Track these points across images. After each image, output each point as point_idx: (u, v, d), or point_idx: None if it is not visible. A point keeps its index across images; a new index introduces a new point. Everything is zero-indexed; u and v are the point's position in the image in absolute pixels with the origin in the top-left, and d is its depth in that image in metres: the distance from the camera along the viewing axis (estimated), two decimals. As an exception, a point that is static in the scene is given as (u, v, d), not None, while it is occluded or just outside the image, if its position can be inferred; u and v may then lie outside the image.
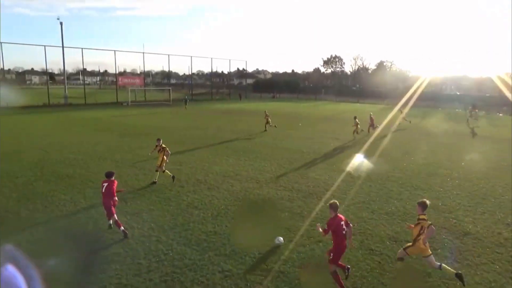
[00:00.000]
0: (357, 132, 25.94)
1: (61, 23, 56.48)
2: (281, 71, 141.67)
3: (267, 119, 28.84)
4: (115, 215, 9.43)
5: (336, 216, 7.29)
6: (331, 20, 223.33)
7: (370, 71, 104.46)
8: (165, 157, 14.07)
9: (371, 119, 27.85)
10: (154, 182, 14.01)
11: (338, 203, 7.48)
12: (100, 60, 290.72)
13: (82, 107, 50.98)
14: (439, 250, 8.93)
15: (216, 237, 9.51)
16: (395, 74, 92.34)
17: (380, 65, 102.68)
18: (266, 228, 10.00)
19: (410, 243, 7.62)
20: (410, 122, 32.98)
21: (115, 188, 9.52)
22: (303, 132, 28.59)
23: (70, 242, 9.18)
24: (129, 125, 31.97)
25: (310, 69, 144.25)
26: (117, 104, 56.06)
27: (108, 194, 9.36)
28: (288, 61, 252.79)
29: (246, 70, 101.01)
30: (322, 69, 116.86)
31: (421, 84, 47.77)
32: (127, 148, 20.76)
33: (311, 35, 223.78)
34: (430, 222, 7.42)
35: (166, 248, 8.86)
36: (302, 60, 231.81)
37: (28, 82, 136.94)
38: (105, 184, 9.43)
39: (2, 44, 49.86)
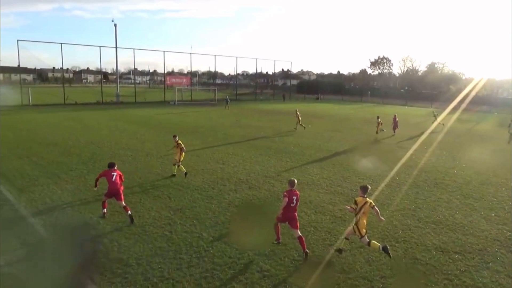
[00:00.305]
0: (378, 131, 27.05)
1: (115, 25, 59.47)
2: (326, 72, 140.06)
3: (298, 117, 29.60)
4: (109, 204, 10.59)
5: (291, 190, 8.75)
6: (379, 20, 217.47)
7: (420, 73, 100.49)
8: (183, 152, 14.99)
9: (395, 120, 28.29)
10: (186, 173, 14.83)
11: (295, 181, 8.97)
12: (150, 60, 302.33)
13: (132, 105, 53.21)
14: (490, 264, 8.42)
15: (256, 237, 9.56)
16: (447, 76, 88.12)
17: (431, 66, 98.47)
18: (306, 231, 9.93)
19: (357, 231, 8.30)
20: (443, 125, 31.76)
21: (121, 177, 10.71)
22: (347, 135, 28.06)
23: (116, 234, 9.61)
24: (175, 123, 32.97)
25: (356, 70, 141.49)
26: (164, 102, 57.98)
27: (119, 182, 10.46)
28: (333, 62, 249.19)
29: (290, 71, 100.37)
30: (369, 71, 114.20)
31: (474, 87, 45.17)
32: (172, 145, 21.33)
33: (358, 36, 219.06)
34: (358, 206, 8.25)
35: (207, 245, 9.04)
36: (348, 61, 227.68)
37: (84, 80, 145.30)
38: (114, 174, 10.46)
39: (62, 45, 53.05)
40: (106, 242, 9.07)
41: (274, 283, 7.49)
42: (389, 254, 8.09)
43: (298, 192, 8.89)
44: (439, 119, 32.04)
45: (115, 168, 10.72)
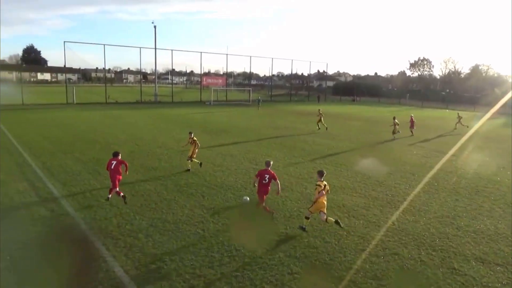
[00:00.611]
0: (395, 132, 27.51)
1: (154, 27, 61.07)
2: (363, 74, 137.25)
3: (320, 117, 30.06)
4: (117, 188, 11.41)
5: (265, 170, 10.33)
6: (419, 20, 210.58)
7: (462, 75, 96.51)
8: (196, 149, 15.81)
9: (411, 121, 29.29)
10: (188, 170, 15.65)
11: (271, 162, 10.76)
12: (187, 61, 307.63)
13: (169, 104, 54.51)
14: (535, 278, 7.94)
15: (287, 239, 9.55)
16: (492, 79, 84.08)
17: (475, 69, 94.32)
18: (338, 235, 9.79)
19: (313, 207, 9.77)
20: (467, 126, 32.63)
21: (121, 166, 11.54)
22: (383, 138, 27.40)
23: (151, 230, 9.87)
24: (211, 122, 33.48)
25: (394, 72, 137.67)
26: (200, 102, 58.98)
27: (116, 170, 11.33)
28: (370, 64, 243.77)
29: (326, 72, 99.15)
30: (408, 72, 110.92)
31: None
32: (206, 145, 21.69)
33: (397, 36, 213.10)
34: (322, 187, 9.61)
35: (238, 245, 9.11)
36: (386, 62, 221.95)
37: (124, 80, 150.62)
38: (114, 162, 11.38)
39: (105, 46, 54.95)
40: (141, 237, 9.35)
41: (305, 286, 7.44)
42: (339, 225, 9.86)
43: (273, 172, 10.34)
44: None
45: (118, 157, 11.57)
